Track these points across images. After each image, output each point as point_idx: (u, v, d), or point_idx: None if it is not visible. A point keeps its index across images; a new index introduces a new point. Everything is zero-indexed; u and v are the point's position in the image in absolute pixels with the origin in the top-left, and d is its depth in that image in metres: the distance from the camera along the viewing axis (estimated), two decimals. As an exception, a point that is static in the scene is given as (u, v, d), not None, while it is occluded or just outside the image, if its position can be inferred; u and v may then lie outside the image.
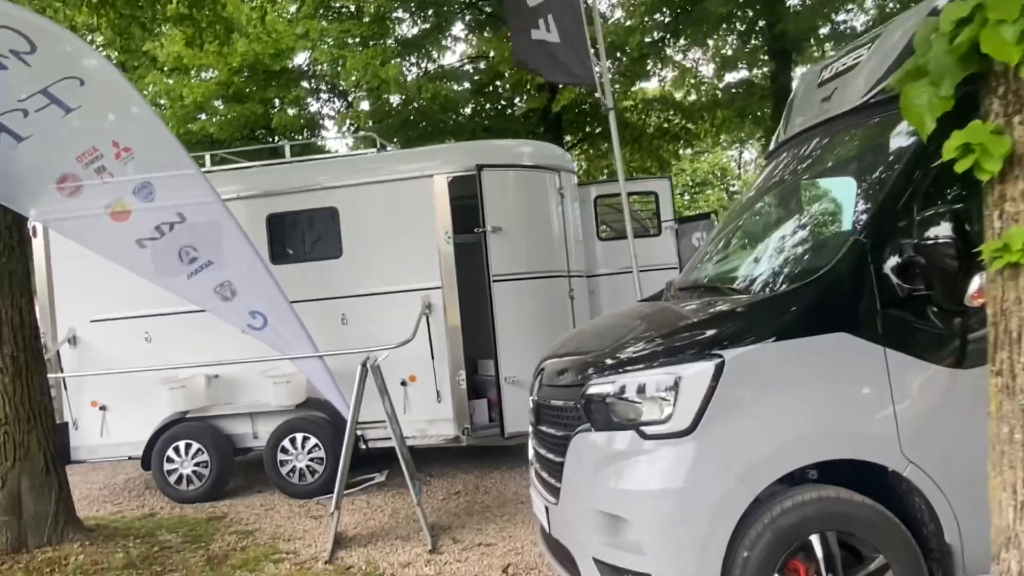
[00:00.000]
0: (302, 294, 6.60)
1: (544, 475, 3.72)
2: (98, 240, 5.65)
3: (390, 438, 6.44)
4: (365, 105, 19.15)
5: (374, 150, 7.43)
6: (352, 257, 6.90)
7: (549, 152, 7.45)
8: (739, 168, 40.74)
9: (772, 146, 4.73)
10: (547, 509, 3.66)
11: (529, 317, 6.69)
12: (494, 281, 6.52)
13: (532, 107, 15.95)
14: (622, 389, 3.16)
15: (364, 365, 5.22)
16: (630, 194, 8.18)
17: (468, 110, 18.29)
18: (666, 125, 19.64)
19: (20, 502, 5.11)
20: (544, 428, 3.69)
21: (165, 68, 16.86)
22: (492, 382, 7.34)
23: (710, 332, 3.13)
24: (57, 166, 5.33)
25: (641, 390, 3.10)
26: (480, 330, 7.06)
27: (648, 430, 3.05)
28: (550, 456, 3.59)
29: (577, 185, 7.70)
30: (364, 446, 6.69)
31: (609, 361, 3.31)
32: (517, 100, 18.57)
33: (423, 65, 18.71)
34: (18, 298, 5.23)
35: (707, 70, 20.41)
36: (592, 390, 3.26)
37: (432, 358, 6.69)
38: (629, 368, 3.19)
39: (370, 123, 16.98)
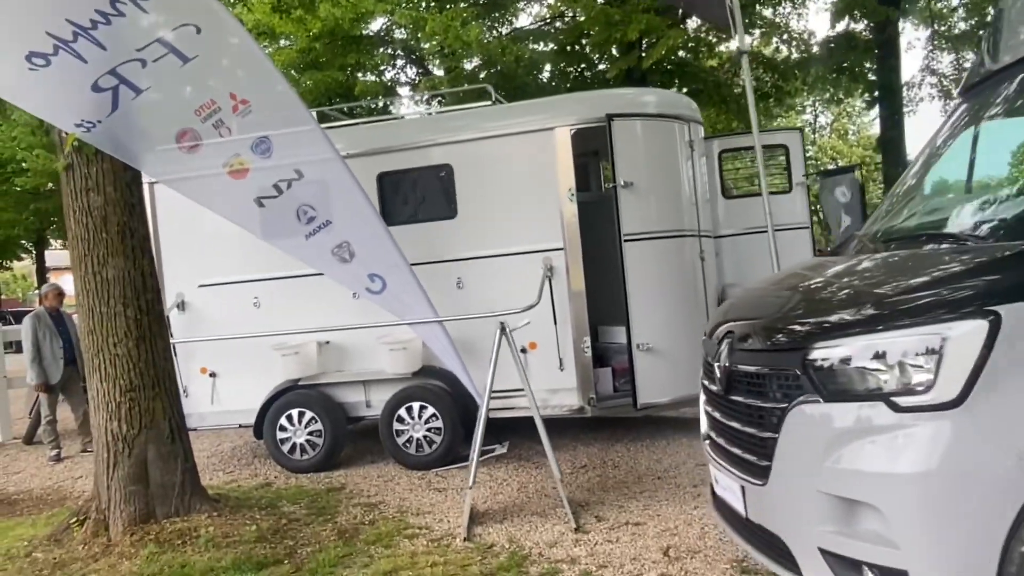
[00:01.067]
0: (415, 257, 6.22)
1: (738, 452, 3.27)
2: (217, 199, 5.38)
3: (509, 408, 6.15)
4: (441, 72, 18.78)
5: (489, 103, 6.99)
6: (468, 217, 6.52)
7: (677, 101, 6.90)
8: (813, 133, 39.17)
9: (972, 79, 4.12)
10: (743, 490, 3.22)
11: (661, 280, 6.21)
12: (625, 241, 6.05)
13: (620, 68, 15.26)
14: (862, 353, 2.67)
15: (503, 328, 4.85)
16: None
17: (546, 74, 17.74)
18: (755, 83, 18.68)
19: (147, 471, 4.92)
20: (740, 399, 3.24)
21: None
22: (616, 349, 6.93)
23: (975, 285, 2.61)
24: (176, 120, 5.06)
25: (888, 354, 2.61)
26: (599, 294, 6.62)
27: (901, 401, 2.57)
28: (751, 430, 3.13)
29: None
30: (484, 416, 6.35)
31: (841, 320, 2.82)
32: (599, 61, 17.92)
33: (499, 28, 18.22)
34: (140, 258, 5.00)
35: (798, 25, 19.43)
36: (818, 354, 2.78)
37: (555, 324, 6.28)
38: (870, 328, 2.70)
39: (444, 89, 16.57)
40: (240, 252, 6.93)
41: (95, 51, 4.67)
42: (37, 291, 43.33)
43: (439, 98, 16.06)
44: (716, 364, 3.47)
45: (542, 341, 6.32)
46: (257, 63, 5.19)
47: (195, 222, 6.97)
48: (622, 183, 6.04)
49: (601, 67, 17.62)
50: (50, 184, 26.66)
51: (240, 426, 7.13)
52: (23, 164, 25.70)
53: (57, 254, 40.81)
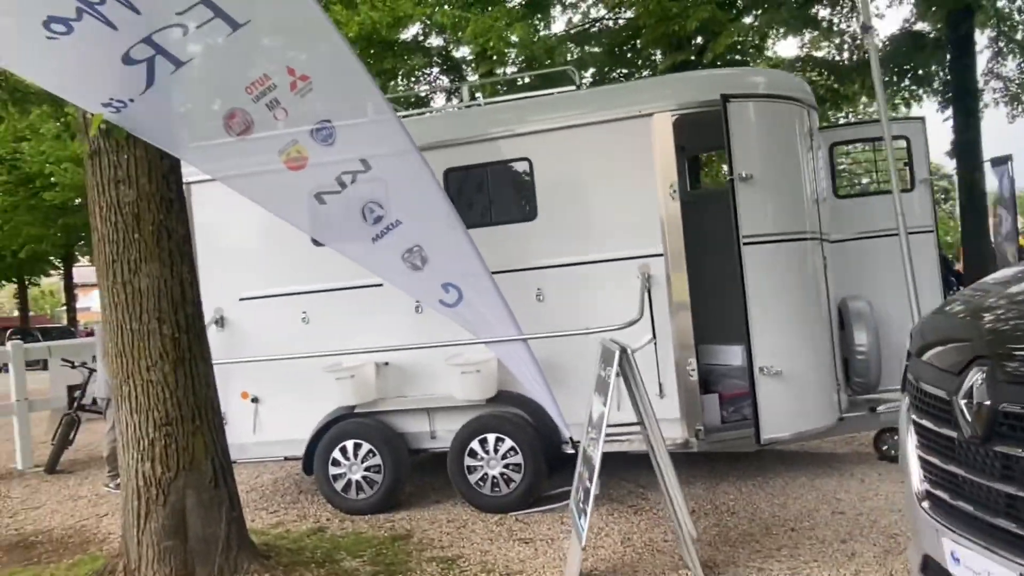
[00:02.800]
0: (488, 265, 5.37)
1: (1014, 528, 2.34)
2: (271, 195, 4.53)
3: (612, 442, 5.22)
4: (475, 77, 18.07)
5: (572, 88, 6.13)
6: (549, 219, 5.64)
7: (790, 81, 5.99)
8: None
9: None
10: (1027, 580, 2.27)
11: (785, 291, 5.27)
12: (745, 244, 5.13)
13: (671, 63, 14.36)
14: None
15: (625, 352, 3.95)
16: (873, 140, 6.68)
17: (588, 79, 16.92)
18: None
19: (185, 522, 4.05)
20: (1019, 452, 2.30)
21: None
22: (722, 373, 6.00)
23: None
24: (223, 99, 4.23)
25: None
26: (697, 309, 5.70)
27: None
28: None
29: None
30: (573, 450, 5.43)
31: None
32: (645, 65, 17.09)
33: (543, 30, 17.46)
34: (178, 265, 4.16)
35: (857, 24, 18.53)
36: None
37: (654, 343, 5.36)
38: None
39: (479, 96, 15.81)
40: (286, 260, 6.12)
41: (126, 15, 3.85)
42: (64, 307, 43.17)
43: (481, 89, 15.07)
44: (962, 401, 2.53)
45: (639, 363, 5.39)
46: (321, 31, 4.34)
47: (236, 226, 6.18)
48: (741, 175, 5.13)
49: (646, 73, 16.82)
50: (78, 199, 26.36)
51: (286, 459, 6.27)
52: (51, 178, 25.39)
53: (85, 271, 40.70)
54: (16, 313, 43.59)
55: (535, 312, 5.57)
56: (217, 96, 4.22)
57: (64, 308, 43.02)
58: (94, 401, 8.27)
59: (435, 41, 18.77)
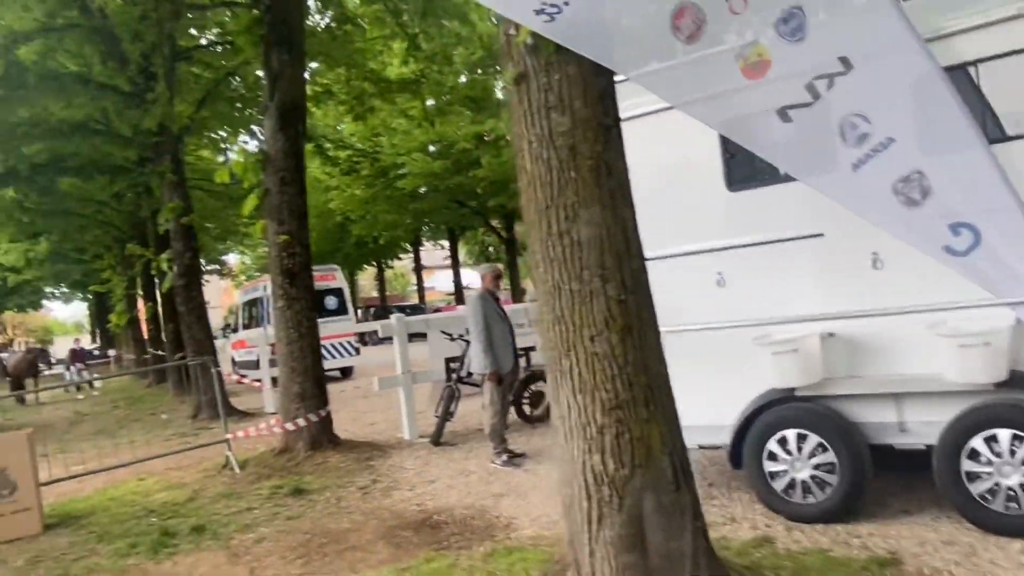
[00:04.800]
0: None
1: None
2: (723, 113, 3.52)
3: None
4: None
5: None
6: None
7: None
8: None
9: None
10: None
11: None
12: None
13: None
14: None
15: None
16: None
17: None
18: None
19: (643, 532, 3.22)
20: None
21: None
22: None
23: None
24: (668, -8, 3.31)
25: None
26: None
27: None
28: None
29: None
30: None
31: None
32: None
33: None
34: (621, 209, 3.33)
35: None
36: None
37: None
38: None
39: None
40: (696, 211, 5.15)
41: None
42: (415, 287, 47.82)
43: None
44: None
45: None
46: None
47: (640, 169, 5.31)
48: None
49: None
50: (423, 188, 28.59)
51: (700, 447, 5.31)
52: (402, 168, 27.76)
53: (428, 254, 44.68)
54: (375, 293, 49.34)
55: None
56: (661, -12, 3.29)
57: (415, 288, 47.78)
58: (469, 374, 8.15)
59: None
